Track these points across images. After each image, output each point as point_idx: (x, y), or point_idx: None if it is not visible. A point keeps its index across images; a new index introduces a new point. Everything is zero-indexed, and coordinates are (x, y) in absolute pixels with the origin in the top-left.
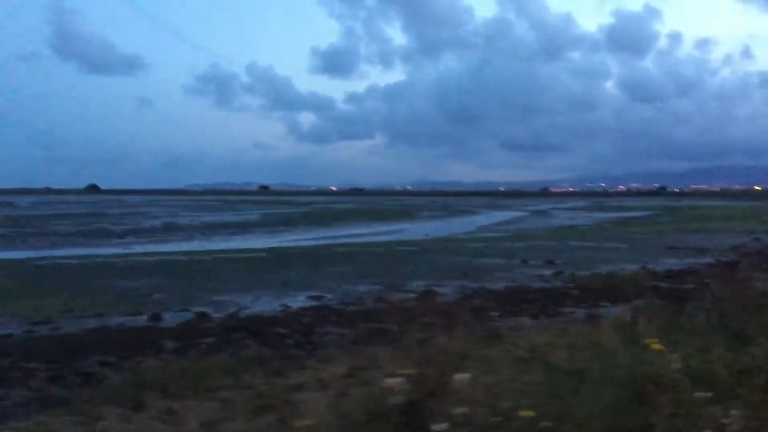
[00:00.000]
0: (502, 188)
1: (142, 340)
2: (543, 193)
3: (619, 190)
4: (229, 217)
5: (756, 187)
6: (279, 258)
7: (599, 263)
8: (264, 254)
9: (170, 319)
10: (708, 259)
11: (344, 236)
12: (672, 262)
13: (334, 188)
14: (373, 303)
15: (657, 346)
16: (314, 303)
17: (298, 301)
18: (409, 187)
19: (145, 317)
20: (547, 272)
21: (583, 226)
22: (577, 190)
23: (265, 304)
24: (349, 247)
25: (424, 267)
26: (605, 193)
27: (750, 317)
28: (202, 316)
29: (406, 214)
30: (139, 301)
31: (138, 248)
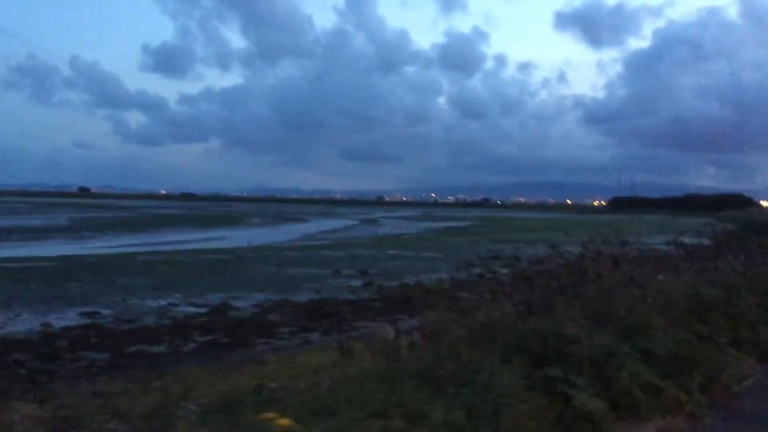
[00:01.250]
0: (338, 196)
1: None
2: (378, 202)
3: (448, 200)
4: (30, 221)
5: (568, 201)
6: (66, 268)
7: (412, 273)
8: (50, 263)
9: None
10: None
11: (156, 243)
12: (480, 272)
13: (164, 192)
14: (154, 320)
15: (283, 422)
16: (85, 321)
17: (67, 319)
18: (245, 194)
19: None
20: (358, 283)
21: (407, 235)
22: (410, 199)
23: (22, 323)
24: (154, 256)
25: (230, 277)
26: (435, 203)
27: (452, 360)
28: None
29: (233, 220)
30: None
31: None
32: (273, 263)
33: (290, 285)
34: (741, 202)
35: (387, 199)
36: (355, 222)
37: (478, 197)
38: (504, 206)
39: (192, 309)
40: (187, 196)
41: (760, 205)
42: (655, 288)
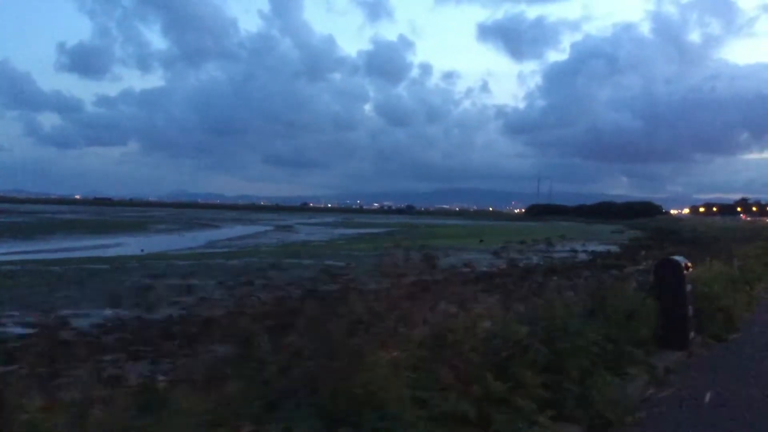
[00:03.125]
0: (263, 202)
1: None
2: (302, 208)
3: (373, 207)
4: None
5: (490, 208)
6: None
7: (305, 284)
8: None
9: None
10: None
11: (36, 251)
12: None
13: (78, 197)
14: None
15: None
16: None
17: None
18: (165, 199)
19: None
20: (237, 295)
21: (316, 242)
22: (335, 206)
23: None
24: (23, 265)
25: (93, 290)
26: (360, 210)
27: None
28: None
29: (137, 226)
30: None
31: None
32: (154, 273)
33: (157, 298)
34: (651, 210)
35: (312, 205)
36: (269, 228)
37: (403, 204)
38: (427, 213)
39: (19, 330)
40: (102, 201)
41: (669, 213)
42: (420, 329)
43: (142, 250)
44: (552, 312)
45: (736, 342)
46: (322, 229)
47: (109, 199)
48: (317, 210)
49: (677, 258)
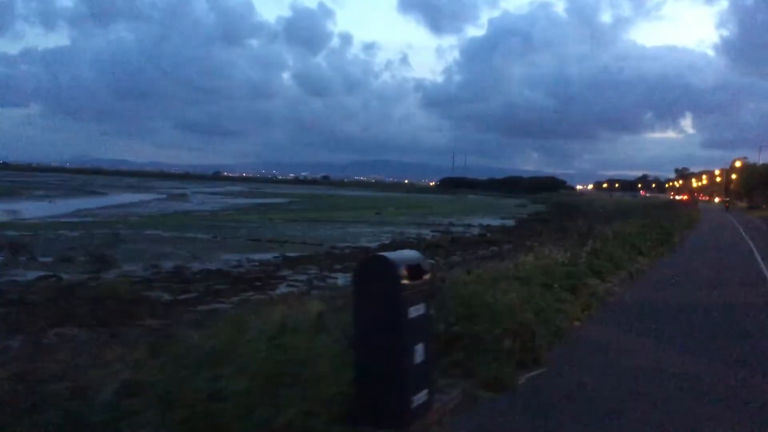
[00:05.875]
0: (174, 170)
1: None
2: (214, 176)
3: (289, 177)
4: None
5: (405, 181)
6: None
7: (156, 259)
8: None
9: None
10: (275, 255)
11: None
12: (229, 259)
13: None
14: None
15: None
16: None
17: None
18: (67, 164)
19: None
20: (38, 273)
21: (202, 212)
22: (250, 175)
23: None
24: None
25: None
26: (274, 180)
27: None
28: None
29: (7, 193)
30: None
31: None
32: None
33: None
34: (555, 185)
35: (227, 174)
36: (161, 196)
37: (320, 175)
38: (342, 184)
39: None
40: None
41: (574, 189)
42: None
43: None
44: None
45: (528, 390)
46: (219, 198)
47: (6, 164)
48: (230, 179)
49: (391, 257)
